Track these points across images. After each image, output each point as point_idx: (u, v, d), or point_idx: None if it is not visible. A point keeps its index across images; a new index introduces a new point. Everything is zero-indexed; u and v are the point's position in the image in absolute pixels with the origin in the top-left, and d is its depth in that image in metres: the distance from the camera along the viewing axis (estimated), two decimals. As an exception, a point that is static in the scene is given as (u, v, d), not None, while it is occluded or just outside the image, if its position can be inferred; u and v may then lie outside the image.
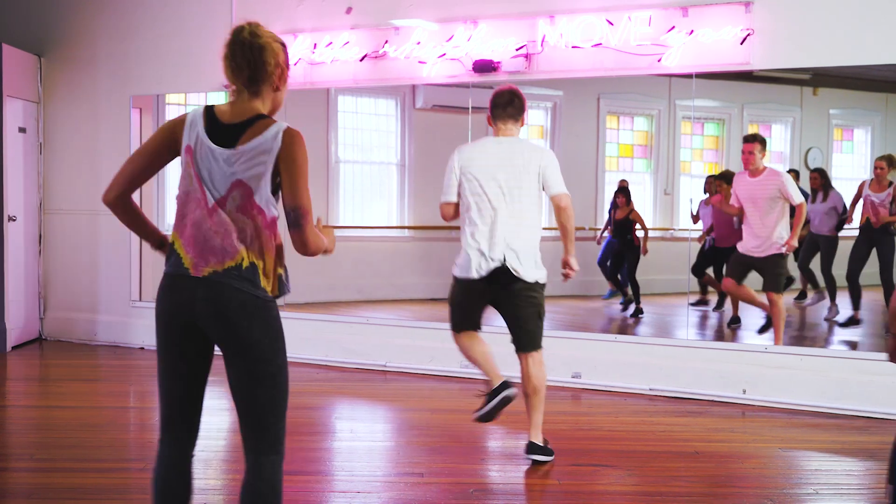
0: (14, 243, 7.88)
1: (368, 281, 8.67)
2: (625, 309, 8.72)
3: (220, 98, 8.38)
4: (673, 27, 6.24)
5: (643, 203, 9.15)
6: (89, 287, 8.29)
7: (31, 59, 8.16)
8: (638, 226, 8.60)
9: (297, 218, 2.61)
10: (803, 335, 7.69)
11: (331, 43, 7.28)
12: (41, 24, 8.29)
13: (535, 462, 4.65)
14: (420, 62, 6.99)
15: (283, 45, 2.78)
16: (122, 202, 2.77)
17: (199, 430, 2.87)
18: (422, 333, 7.11)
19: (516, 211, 4.49)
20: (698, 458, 4.85)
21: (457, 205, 4.64)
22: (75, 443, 4.98)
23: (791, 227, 6.52)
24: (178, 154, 2.73)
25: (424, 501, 4.17)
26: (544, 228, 4.65)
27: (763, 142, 6.66)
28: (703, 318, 8.09)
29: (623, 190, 8.67)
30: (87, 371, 7.16)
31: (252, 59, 2.67)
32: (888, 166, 7.06)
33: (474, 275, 4.52)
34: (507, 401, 4.56)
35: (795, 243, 6.54)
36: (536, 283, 4.53)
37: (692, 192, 8.09)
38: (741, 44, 6.06)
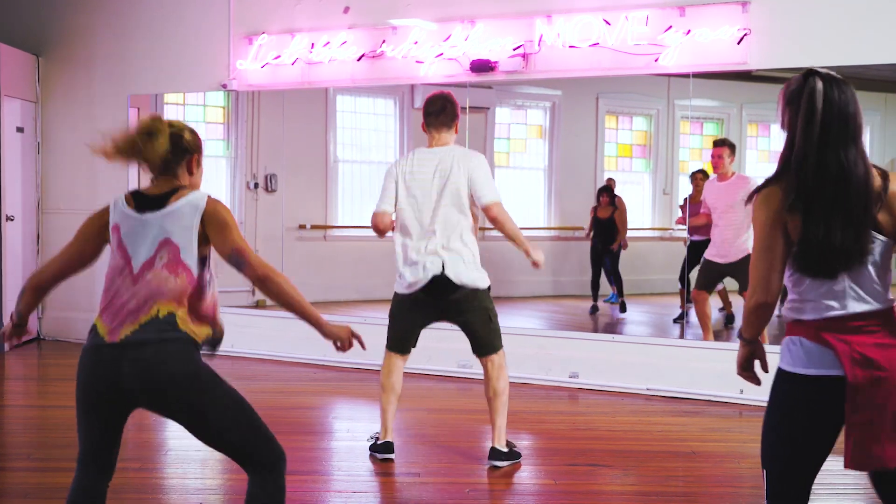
0: (12, 243, 7.88)
1: (366, 281, 8.65)
2: (594, 312, 8.63)
3: (218, 98, 8.40)
4: (670, 27, 6.24)
5: (642, 203, 9.16)
6: (87, 287, 8.24)
7: (29, 58, 8.15)
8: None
9: (238, 256, 2.68)
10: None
11: (328, 42, 7.28)
12: (39, 24, 8.29)
13: (494, 467, 4.59)
14: (417, 62, 6.99)
15: (189, 130, 2.88)
16: (46, 289, 2.91)
17: (114, 466, 2.92)
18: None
19: (452, 222, 4.44)
20: (695, 458, 4.86)
21: (391, 216, 4.57)
22: (72, 442, 4.91)
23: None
24: (105, 243, 2.85)
25: (421, 501, 4.18)
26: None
27: (732, 146, 6.83)
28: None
29: (606, 189, 8.61)
30: (84, 370, 7.16)
31: (153, 152, 2.78)
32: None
33: (413, 289, 4.48)
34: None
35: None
36: (477, 289, 4.49)
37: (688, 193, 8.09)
38: (738, 43, 6.06)
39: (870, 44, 5.84)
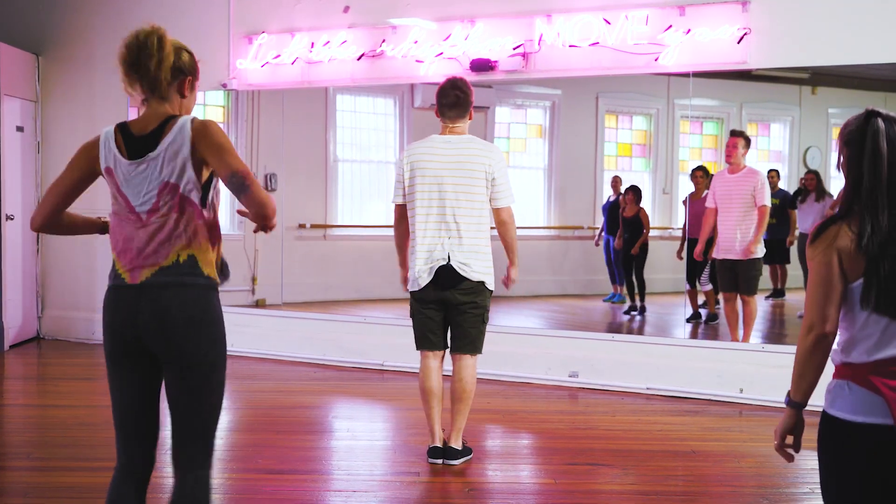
0: (12, 242, 7.88)
1: (366, 280, 8.65)
2: (629, 312, 8.67)
3: (218, 97, 8.39)
4: (670, 26, 6.24)
5: (642, 202, 9.17)
6: (87, 286, 8.29)
7: (28, 57, 8.15)
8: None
9: (241, 182, 2.56)
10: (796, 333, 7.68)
11: (328, 42, 7.27)
12: (39, 23, 8.29)
13: (448, 465, 4.55)
14: (417, 61, 6.99)
15: (187, 51, 2.85)
16: (49, 225, 2.84)
17: (154, 455, 2.83)
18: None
19: (464, 215, 4.42)
20: (695, 458, 4.86)
21: (404, 206, 4.56)
22: (72, 441, 4.98)
23: (756, 230, 6.69)
24: (97, 175, 2.77)
25: (421, 500, 4.18)
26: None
27: (748, 139, 6.81)
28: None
29: (633, 188, 8.66)
30: (84, 370, 7.16)
31: (146, 67, 2.76)
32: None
33: (423, 281, 4.45)
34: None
35: (756, 249, 6.66)
36: (482, 283, 4.47)
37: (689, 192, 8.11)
38: (738, 43, 6.06)
39: (869, 43, 5.84)
